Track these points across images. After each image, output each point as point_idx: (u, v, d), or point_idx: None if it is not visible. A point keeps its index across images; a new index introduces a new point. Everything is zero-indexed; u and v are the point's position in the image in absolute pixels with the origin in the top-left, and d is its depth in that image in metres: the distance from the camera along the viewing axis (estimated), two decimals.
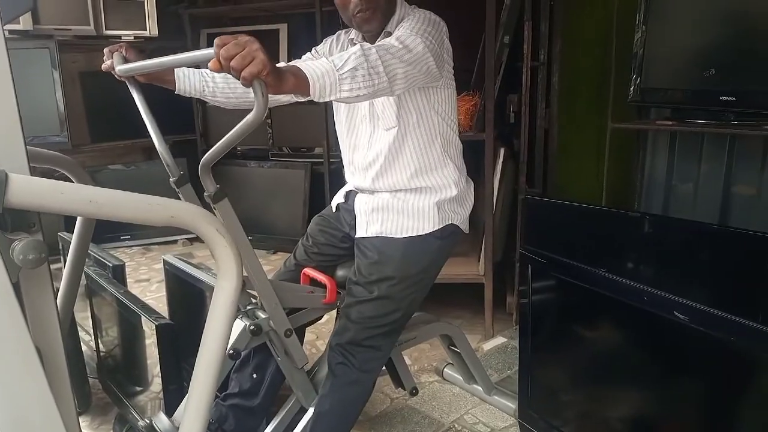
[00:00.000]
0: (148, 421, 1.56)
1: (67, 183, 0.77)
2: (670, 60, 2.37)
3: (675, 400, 1.41)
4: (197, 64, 1.30)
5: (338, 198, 1.77)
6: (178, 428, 1.43)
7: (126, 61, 1.45)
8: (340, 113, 1.69)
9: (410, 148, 1.57)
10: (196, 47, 4.06)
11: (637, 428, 1.53)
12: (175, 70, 1.58)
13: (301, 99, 1.23)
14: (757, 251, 1.88)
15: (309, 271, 1.64)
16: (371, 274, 1.54)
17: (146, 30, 3.82)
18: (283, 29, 3.88)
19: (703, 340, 1.29)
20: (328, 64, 1.21)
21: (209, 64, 1.06)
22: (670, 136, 2.53)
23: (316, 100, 1.22)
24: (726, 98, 2.14)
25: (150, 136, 1.48)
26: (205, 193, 1.36)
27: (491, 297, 2.56)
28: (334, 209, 1.77)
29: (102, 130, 3.91)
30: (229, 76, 1.36)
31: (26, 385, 0.76)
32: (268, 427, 1.63)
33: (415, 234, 1.58)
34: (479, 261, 2.63)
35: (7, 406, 0.75)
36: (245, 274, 1.50)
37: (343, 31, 1.71)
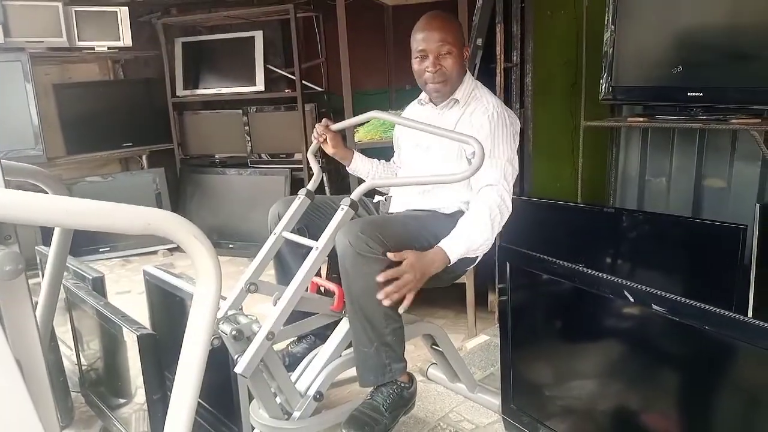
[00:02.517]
0: None
1: (41, 194, 0.78)
2: (639, 58, 2.43)
3: (653, 389, 1.44)
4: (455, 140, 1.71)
5: (380, 197, 2.09)
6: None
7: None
8: (407, 141, 2.03)
9: (457, 187, 1.82)
10: (171, 56, 4.04)
11: (617, 418, 1.56)
12: (356, 153, 2.12)
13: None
14: (729, 242, 1.94)
15: (318, 280, 1.68)
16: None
17: (120, 40, 3.79)
18: (258, 36, 3.88)
19: (680, 330, 1.32)
20: (463, 234, 1.65)
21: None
22: (642, 132, 2.59)
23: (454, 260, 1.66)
24: (693, 94, 2.20)
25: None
26: (346, 197, 1.60)
27: (473, 296, 2.59)
28: (374, 200, 2.08)
29: (77, 142, 3.87)
30: (386, 164, 2.16)
31: (7, 397, 0.76)
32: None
33: (439, 211, 1.84)
34: None
35: None
36: (261, 278, 1.68)
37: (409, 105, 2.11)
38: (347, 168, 2.14)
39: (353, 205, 1.56)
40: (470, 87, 1.89)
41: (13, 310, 0.78)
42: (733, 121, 2.12)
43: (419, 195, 1.91)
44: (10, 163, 1.21)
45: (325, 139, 1.98)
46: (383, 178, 2.11)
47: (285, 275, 1.89)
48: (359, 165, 2.11)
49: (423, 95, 1.99)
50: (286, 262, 1.91)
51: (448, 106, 1.90)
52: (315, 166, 1.95)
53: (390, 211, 2.00)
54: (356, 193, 1.57)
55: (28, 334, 0.80)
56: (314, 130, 2.00)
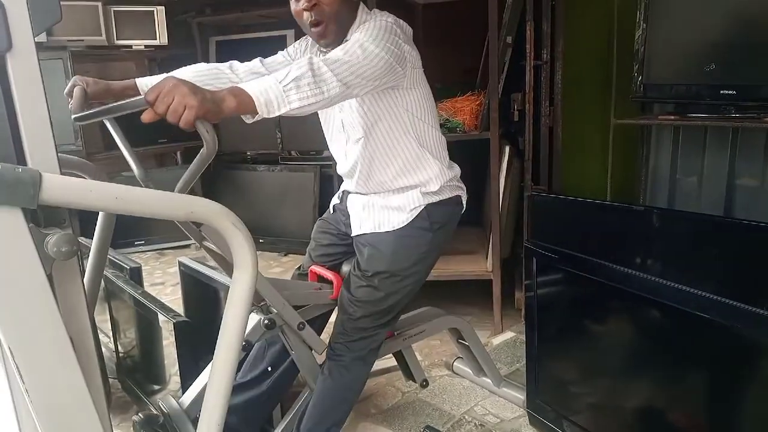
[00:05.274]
0: (158, 406, 1.61)
1: (94, 181, 0.83)
2: (670, 56, 2.40)
3: (680, 387, 1.45)
4: (133, 111, 1.20)
5: (334, 200, 1.85)
6: (185, 410, 1.52)
7: (86, 95, 1.55)
8: (323, 124, 1.76)
9: (383, 153, 1.60)
10: (206, 55, 4.13)
11: (643, 416, 1.56)
12: (138, 84, 1.63)
13: (250, 120, 1.26)
14: (762, 241, 1.91)
15: (316, 269, 1.71)
16: (366, 270, 1.61)
17: (156, 39, 3.90)
18: (290, 35, 3.94)
19: (709, 327, 1.32)
20: (271, 79, 1.23)
21: (143, 117, 1.08)
22: (673, 130, 2.56)
23: (265, 116, 1.22)
24: (727, 92, 2.17)
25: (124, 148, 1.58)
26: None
27: (500, 293, 2.60)
28: (332, 211, 1.84)
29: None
30: (202, 73, 1.68)
31: (60, 371, 0.81)
32: (282, 421, 1.68)
33: (404, 225, 1.61)
34: (487, 258, 2.67)
35: (43, 391, 0.81)
36: None
37: None
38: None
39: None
40: (360, 21, 1.55)
41: (67, 290, 0.84)
42: (767, 119, 2.10)
43: (365, 182, 1.66)
44: (60, 156, 1.27)
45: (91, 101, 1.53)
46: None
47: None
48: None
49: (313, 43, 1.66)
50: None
51: None
52: (126, 151, 1.55)
53: (353, 228, 1.70)
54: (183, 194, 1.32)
55: (80, 313, 0.86)
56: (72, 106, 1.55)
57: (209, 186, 4.28)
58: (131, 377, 2.19)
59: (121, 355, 2.26)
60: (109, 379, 2.25)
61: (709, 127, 2.42)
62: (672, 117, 2.40)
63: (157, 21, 3.88)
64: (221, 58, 4.59)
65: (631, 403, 1.59)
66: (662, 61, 2.40)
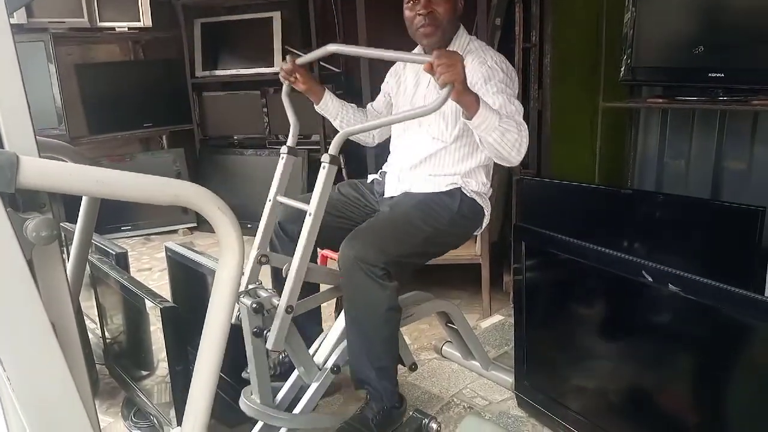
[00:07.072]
0: None
1: (74, 164, 0.81)
2: (659, 39, 2.40)
3: (667, 368, 1.46)
4: (409, 62, 1.83)
5: (374, 175, 2.01)
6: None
7: (295, 67, 1.82)
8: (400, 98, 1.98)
9: (451, 157, 1.82)
10: (190, 37, 4.06)
11: (630, 396, 1.58)
12: (327, 91, 1.96)
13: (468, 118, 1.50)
14: (747, 224, 1.93)
15: (327, 253, 1.70)
16: (388, 208, 1.80)
17: (140, 21, 3.83)
18: (276, 17, 3.88)
19: (695, 309, 1.33)
20: (497, 115, 1.48)
21: (424, 67, 1.39)
22: (662, 113, 2.57)
23: (472, 127, 1.51)
24: (715, 75, 2.18)
25: None
26: (324, 153, 1.51)
27: (488, 277, 2.61)
28: (368, 181, 2.00)
29: (99, 122, 3.93)
30: (360, 110, 2.04)
31: (42, 357, 0.80)
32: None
33: (435, 192, 1.79)
34: (476, 242, 2.67)
35: (25, 379, 0.80)
36: (268, 251, 1.66)
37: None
38: (316, 107, 1.99)
39: (334, 160, 1.49)
40: (465, 40, 1.83)
41: (48, 275, 0.82)
42: (754, 102, 2.10)
43: (411, 171, 1.87)
44: (39, 139, 1.24)
45: (296, 78, 1.82)
46: (353, 123, 1.98)
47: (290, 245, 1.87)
48: (329, 105, 1.97)
49: (418, 49, 1.90)
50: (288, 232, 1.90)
51: None
52: (292, 116, 1.80)
53: (387, 193, 1.90)
54: (333, 146, 1.49)
55: (62, 298, 0.84)
56: (280, 70, 1.83)
57: (196, 170, 4.24)
58: (119, 363, 2.17)
59: (108, 341, 2.24)
60: (97, 365, 2.24)
61: (697, 110, 2.43)
62: (660, 100, 2.41)
63: (141, 2, 3.80)
64: (206, 41, 4.49)
65: (618, 384, 1.61)
66: (651, 44, 2.40)
